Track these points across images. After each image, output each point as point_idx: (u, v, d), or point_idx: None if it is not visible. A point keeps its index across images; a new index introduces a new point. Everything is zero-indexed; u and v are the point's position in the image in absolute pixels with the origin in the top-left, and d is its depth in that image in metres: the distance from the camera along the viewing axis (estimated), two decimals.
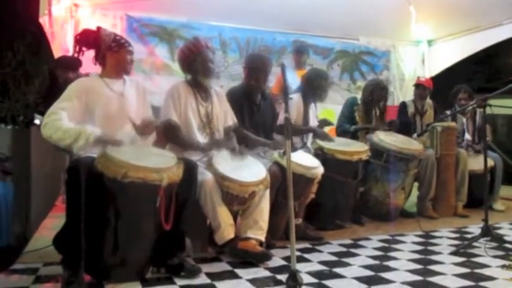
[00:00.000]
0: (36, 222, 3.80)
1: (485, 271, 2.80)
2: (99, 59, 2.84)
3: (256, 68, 3.61)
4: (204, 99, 3.33)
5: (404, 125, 4.82)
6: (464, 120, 5.10)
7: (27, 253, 3.06)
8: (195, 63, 3.22)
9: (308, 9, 5.45)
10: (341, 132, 4.59)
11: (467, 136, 5.06)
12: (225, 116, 3.44)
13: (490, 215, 3.39)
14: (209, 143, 3.25)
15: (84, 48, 2.82)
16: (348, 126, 4.53)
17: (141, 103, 2.96)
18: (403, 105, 5.06)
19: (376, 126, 4.55)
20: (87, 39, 2.82)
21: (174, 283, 2.57)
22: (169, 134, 3.19)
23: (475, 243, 3.31)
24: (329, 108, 6.22)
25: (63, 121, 2.56)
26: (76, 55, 2.84)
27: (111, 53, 2.81)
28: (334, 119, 5.17)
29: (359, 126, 4.54)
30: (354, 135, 4.51)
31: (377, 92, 4.59)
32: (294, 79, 4.60)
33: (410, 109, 4.95)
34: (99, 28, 2.85)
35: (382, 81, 4.92)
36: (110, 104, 2.76)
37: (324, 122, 4.29)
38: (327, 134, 4.14)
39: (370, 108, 4.62)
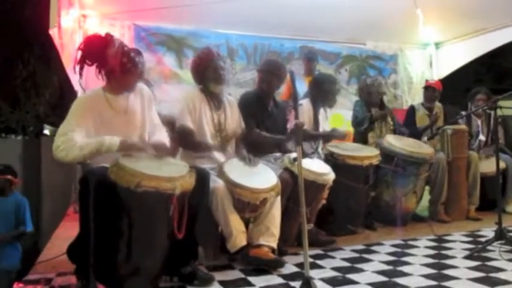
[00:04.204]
0: (48, 231, 3.83)
1: (500, 275, 2.76)
2: (103, 75, 2.71)
3: (269, 71, 3.63)
4: (217, 108, 3.36)
5: (412, 128, 4.79)
6: (479, 122, 5.05)
7: (40, 263, 3.08)
8: (207, 71, 3.26)
9: (314, 14, 5.46)
10: (358, 122, 4.53)
11: (481, 137, 5.01)
12: (236, 124, 3.47)
13: (503, 217, 3.35)
14: (220, 144, 3.28)
15: (88, 62, 2.65)
16: (364, 115, 4.49)
17: (146, 115, 2.88)
18: (412, 109, 5.04)
19: (390, 112, 4.51)
20: (92, 51, 2.65)
21: None
22: (183, 139, 3.21)
23: (489, 247, 3.27)
24: (338, 113, 6.21)
25: (75, 140, 2.52)
26: (78, 70, 2.66)
27: (115, 74, 2.69)
28: (343, 124, 5.16)
29: (377, 114, 4.48)
30: (370, 122, 4.47)
31: (365, 91, 4.59)
32: (303, 86, 4.63)
33: (420, 112, 4.93)
34: (107, 40, 2.66)
35: (366, 80, 4.78)
36: (112, 124, 2.69)
37: (334, 133, 4.24)
38: (338, 135, 4.14)
39: (368, 107, 4.59)
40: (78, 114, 2.64)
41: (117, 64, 2.65)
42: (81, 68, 2.66)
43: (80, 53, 2.67)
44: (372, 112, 4.50)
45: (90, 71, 2.72)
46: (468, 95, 5.15)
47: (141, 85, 2.91)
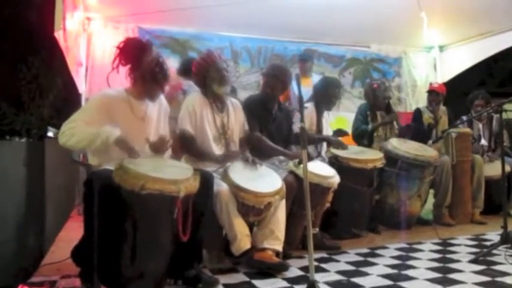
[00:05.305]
0: (52, 234, 3.82)
1: (506, 279, 2.74)
2: (131, 78, 2.76)
3: (274, 75, 3.63)
4: (220, 110, 3.35)
5: (419, 131, 4.78)
6: (480, 126, 5.05)
7: (44, 265, 3.08)
8: (210, 72, 3.25)
9: (319, 17, 5.45)
10: (359, 133, 4.52)
11: (483, 142, 5.00)
12: (240, 126, 3.46)
13: (508, 221, 3.32)
14: (224, 155, 3.25)
15: (123, 62, 2.70)
16: (365, 127, 4.49)
17: (161, 125, 2.92)
18: (418, 112, 5.02)
19: (391, 118, 4.52)
20: (129, 52, 2.71)
21: None
22: (184, 144, 3.20)
23: (494, 251, 3.25)
24: (341, 116, 6.21)
25: (80, 128, 2.56)
26: (115, 68, 2.71)
27: (144, 80, 2.74)
28: (347, 127, 5.14)
29: (376, 123, 4.50)
30: (370, 137, 4.47)
31: (372, 95, 4.58)
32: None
33: (426, 115, 4.92)
34: (146, 46, 2.75)
35: (372, 83, 4.76)
36: (129, 128, 2.70)
37: (339, 132, 4.25)
38: (341, 142, 4.12)
39: (374, 111, 4.59)
40: (94, 107, 2.69)
41: (148, 71, 2.71)
42: (117, 66, 2.72)
43: (117, 51, 2.73)
44: (371, 126, 4.49)
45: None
46: (467, 100, 5.14)
47: (160, 96, 2.94)
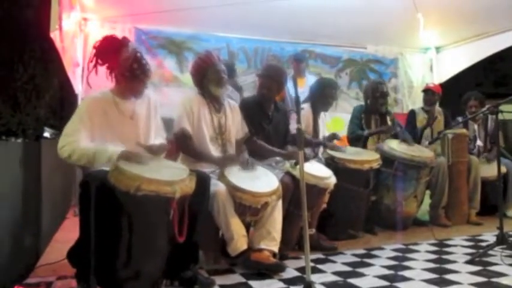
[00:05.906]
0: (48, 235, 3.81)
1: (502, 280, 2.75)
2: (113, 78, 2.76)
3: (269, 76, 3.63)
4: (217, 111, 3.35)
5: (413, 133, 4.79)
6: (475, 126, 5.07)
7: (40, 267, 3.07)
8: (208, 73, 3.25)
9: (315, 18, 5.46)
10: (354, 138, 4.51)
11: (479, 142, 5.02)
12: (237, 127, 3.45)
13: (504, 222, 3.34)
14: (222, 157, 3.24)
15: (100, 61, 2.71)
16: (361, 132, 4.47)
17: (152, 122, 2.91)
18: (412, 113, 5.03)
19: (388, 128, 4.50)
20: (105, 51, 2.72)
21: None
22: (182, 144, 3.20)
23: (490, 252, 3.26)
24: (338, 117, 6.23)
25: (80, 142, 2.56)
26: (92, 69, 2.72)
27: (124, 78, 2.72)
28: (344, 127, 5.14)
29: (372, 130, 4.49)
30: (365, 143, 4.46)
31: (371, 93, 4.56)
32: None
33: (420, 117, 4.93)
34: (121, 43, 2.74)
35: (375, 81, 4.80)
36: (118, 128, 2.72)
37: (333, 136, 4.21)
38: (337, 146, 4.11)
39: (369, 113, 4.59)
40: (84, 114, 2.68)
41: (126, 68, 2.70)
42: (94, 66, 2.72)
43: (94, 51, 2.73)
44: (367, 132, 4.48)
45: (91, 75, 2.73)
46: (461, 101, 5.16)
47: (148, 92, 2.94)
